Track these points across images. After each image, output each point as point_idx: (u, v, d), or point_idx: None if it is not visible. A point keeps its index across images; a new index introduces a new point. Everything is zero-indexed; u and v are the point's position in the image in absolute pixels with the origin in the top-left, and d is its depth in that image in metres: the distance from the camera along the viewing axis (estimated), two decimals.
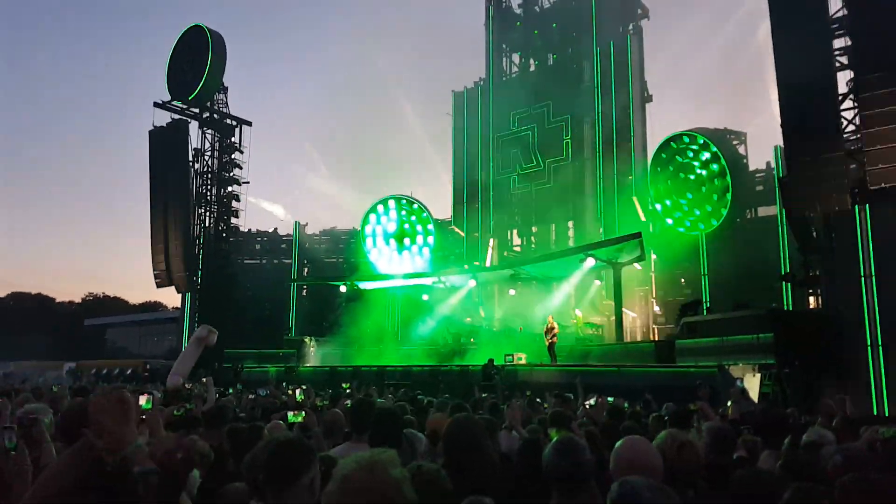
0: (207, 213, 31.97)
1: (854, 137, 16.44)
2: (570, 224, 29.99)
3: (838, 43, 16.47)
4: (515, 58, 33.01)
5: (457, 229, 32.64)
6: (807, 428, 5.78)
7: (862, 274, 15.48)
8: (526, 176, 30.25)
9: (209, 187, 32.10)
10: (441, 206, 36.30)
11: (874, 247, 15.54)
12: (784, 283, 21.57)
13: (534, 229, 31.44)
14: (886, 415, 12.79)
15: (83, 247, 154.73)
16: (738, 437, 4.53)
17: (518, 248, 31.82)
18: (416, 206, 33.92)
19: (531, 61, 32.54)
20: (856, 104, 16.27)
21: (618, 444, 2.66)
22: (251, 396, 9.51)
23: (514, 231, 31.97)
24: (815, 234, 18.02)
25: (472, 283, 26.53)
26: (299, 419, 4.90)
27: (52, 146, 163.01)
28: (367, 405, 4.65)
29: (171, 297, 70.86)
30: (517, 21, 32.23)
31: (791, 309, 21.36)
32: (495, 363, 19.25)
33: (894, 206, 16.20)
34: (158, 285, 32.33)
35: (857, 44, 15.95)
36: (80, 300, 72.27)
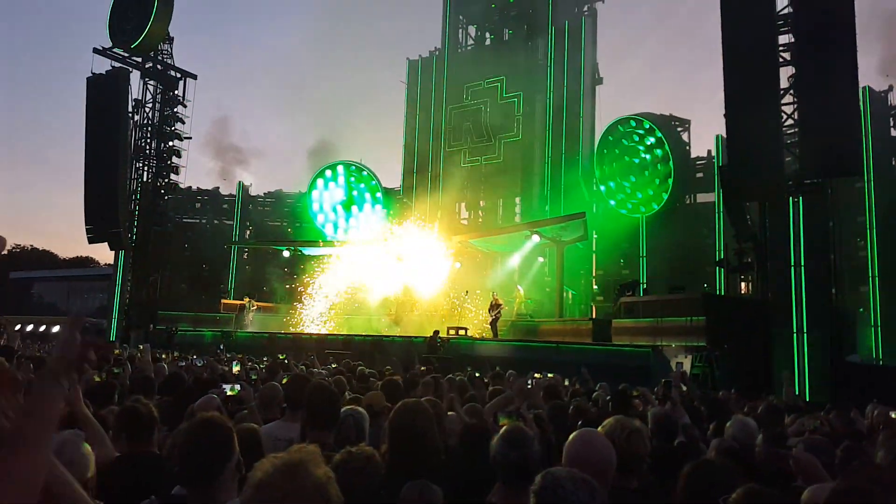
0: (146, 168, 30.70)
1: (791, 132, 17.06)
2: (518, 200, 30.23)
3: (783, 39, 16.97)
4: (472, 30, 32.65)
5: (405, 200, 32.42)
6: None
7: (792, 263, 16.21)
8: (476, 150, 30.21)
9: (149, 141, 30.80)
10: (391, 174, 36.02)
11: (805, 237, 16.29)
12: (719, 268, 22.39)
13: (481, 203, 31.54)
14: (807, 399, 13.49)
15: (11, 196, 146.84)
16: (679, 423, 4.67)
17: (465, 222, 31.90)
18: (365, 172, 33.49)
19: (487, 35, 32.27)
20: (795, 99, 16.86)
21: (571, 437, 2.64)
22: (182, 364, 9.18)
23: (463, 204, 31.99)
24: (750, 222, 18.71)
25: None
26: (234, 393, 4.84)
27: None
28: (301, 381, 4.59)
29: (103, 254, 68.30)
30: None
31: (724, 294, 22.23)
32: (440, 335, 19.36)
33: (824, 200, 17.01)
34: (91, 240, 30.91)
35: (800, 41, 16.47)
36: (5, 251, 68.59)
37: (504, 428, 2.74)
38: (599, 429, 2.88)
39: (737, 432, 4.27)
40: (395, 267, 24.94)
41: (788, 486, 3.06)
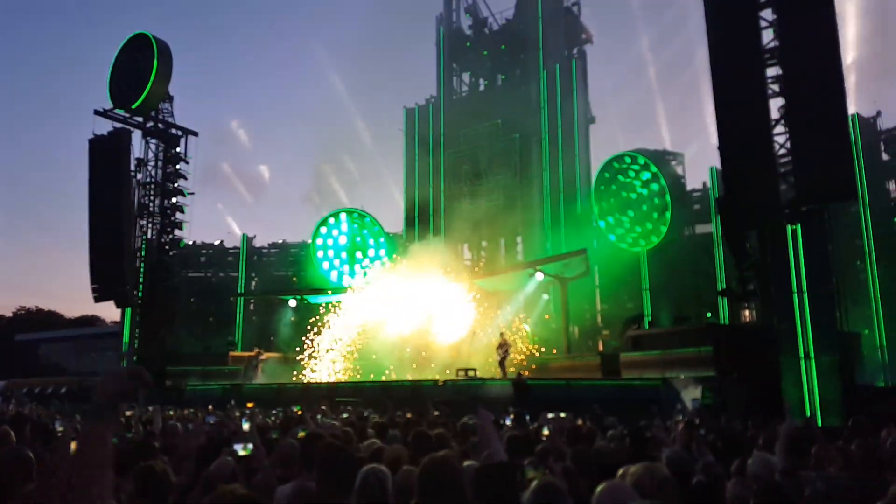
0: (150, 225, 31.05)
1: (785, 160, 17.37)
2: (519, 239, 30.52)
3: (771, 71, 17.42)
4: (465, 77, 33.53)
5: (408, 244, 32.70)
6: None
7: (794, 289, 16.31)
8: (476, 192, 30.65)
9: (152, 198, 31.22)
10: (393, 219, 36.53)
11: (805, 263, 16.43)
12: (722, 297, 22.51)
13: (484, 244, 31.82)
14: (820, 424, 13.44)
15: (15, 258, 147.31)
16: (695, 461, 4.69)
17: (468, 263, 32.10)
18: (367, 219, 33.88)
19: (480, 81, 33.12)
20: (787, 129, 17.21)
21: (598, 490, 2.52)
22: (189, 426, 9.03)
23: (465, 245, 32.27)
24: (750, 250, 18.89)
25: None
26: (247, 452, 4.70)
27: None
28: (315, 440, 4.44)
29: (109, 311, 68.32)
30: (467, 42, 32.80)
31: (728, 322, 22.31)
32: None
33: (822, 225, 17.22)
34: (97, 299, 30.99)
35: (788, 73, 16.90)
36: (10, 314, 68.60)
37: (535, 483, 2.58)
38: (627, 478, 2.76)
39: (759, 470, 4.29)
40: (404, 309, 25.04)
41: None
